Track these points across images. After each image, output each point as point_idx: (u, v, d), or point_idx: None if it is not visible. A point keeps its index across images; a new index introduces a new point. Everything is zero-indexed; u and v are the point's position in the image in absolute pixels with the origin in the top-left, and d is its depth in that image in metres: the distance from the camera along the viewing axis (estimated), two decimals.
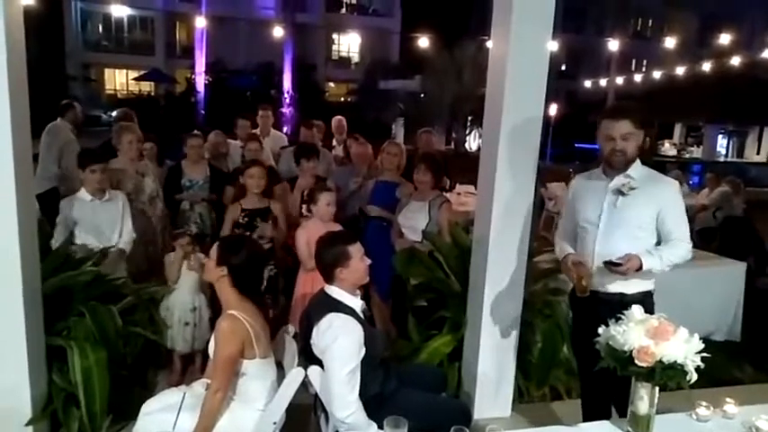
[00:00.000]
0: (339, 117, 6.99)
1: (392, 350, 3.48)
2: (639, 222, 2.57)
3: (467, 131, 25.99)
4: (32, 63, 2.68)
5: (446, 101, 23.88)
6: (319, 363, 2.43)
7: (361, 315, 2.54)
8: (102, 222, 3.70)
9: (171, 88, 25.82)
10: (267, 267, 3.87)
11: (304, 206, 4.17)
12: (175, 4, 27.29)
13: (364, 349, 2.42)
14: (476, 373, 3.27)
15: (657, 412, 2.04)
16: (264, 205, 3.97)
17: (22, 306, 2.58)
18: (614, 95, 20.64)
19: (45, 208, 4.30)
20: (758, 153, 27.96)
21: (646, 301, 2.24)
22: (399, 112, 25.04)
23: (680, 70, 15.96)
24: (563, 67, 27.92)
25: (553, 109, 18.07)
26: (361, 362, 2.40)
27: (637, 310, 2.09)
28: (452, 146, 24.97)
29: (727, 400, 2.26)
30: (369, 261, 2.61)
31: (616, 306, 2.34)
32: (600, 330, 2.11)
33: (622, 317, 2.08)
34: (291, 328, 2.81)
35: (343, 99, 28.58)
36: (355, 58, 31.50)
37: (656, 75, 17.36)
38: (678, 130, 29.20)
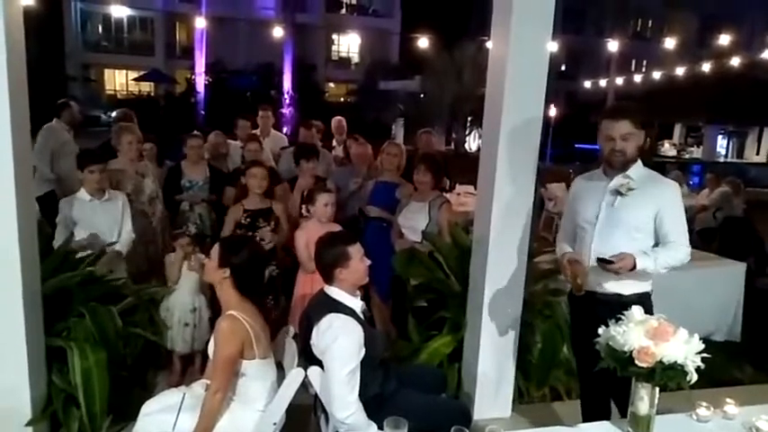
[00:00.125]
0: (339, 117, 6.99)
1: (392, 351, 3.48)
2: (637, 223, 2.57)
3: (466, 132, 26.00)
4: (32, 63, 2.67)
5: (446, 101, 23.90)
6: (319, 363, 2.42)
7: (361, 315, 2.53)
8: (102, 223, 3.69)
9: (171, 89, 25.82)
10: (269, 268, 3.88)
11: (303, 206, 4.17)
12: (175, 4, 27.30)
13: (364, 350, 2.42)
14: (476, 373, 3.27)
15: (657, 413, 2.04)
16: (266, 206, 3.97)
17: (21, 307, 2.58)
18: (614, 96, 20.64)
19: (42, 211, 4.28)
20: (758, 153, 27.97)
21: (643, 302, 2.24)
22: (399, 112, 25.05)
23: (680, 71, 15.95)
24: (563, 68, 27.94)
25: (553, 109, 18.10)
26: (361, 362, 2.40)
27: (637, 310, 2.08)
28: (452, 146, 24.97)
29: (728, 400, 2.25)
30: (368, 261, 2.61)
31: (614, 307, 2.34)
32: (600, 331, 2.11)
33: (620, 317, 2.08)
34: (291, 329, 2.81)
35: (342, 99, 28.59)
36: (355, 58, 31.50)
37: (656, 75, 17.36)
38: (678, 130, 29.22)
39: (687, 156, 26.14)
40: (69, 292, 3.04)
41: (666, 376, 1.91)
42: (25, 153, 2.65)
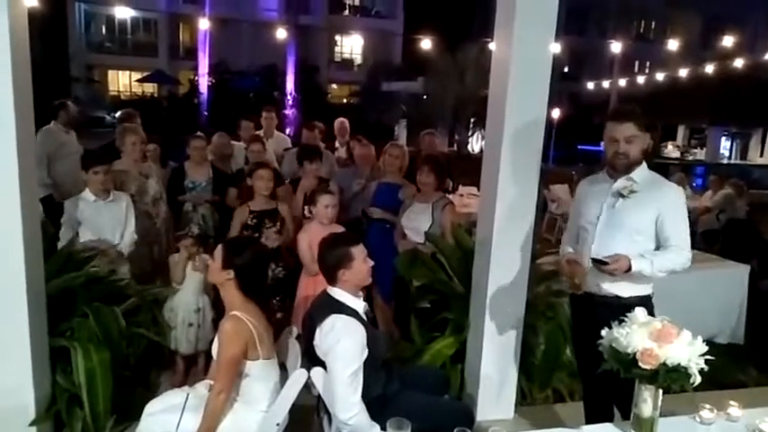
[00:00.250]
0: (341, 119, 7.00)
1: (395, 352, 3.49)
2: (638, 226, 2.56)
3: (469, 133, 25.97)
4: (36, 64, 2.69)
5: (449, 103, 23.87)
6: (322, 364, 2.43)
7: (364, 316, 2.54)
8: (106, 223, 3.71)
9: (174, 90, 25.87)
10: (276, 268, 3.89)
11: (306, 208, 4.18)
12: (179, 5, 27.37)
13: (367, 351, 2.43)
14: (478, 374, 3.27)
15: (661, 415, 2.04)
16: (272, 207, 3.98)
17: (25, 307, 2.59)
18: (617, 97, 20.62)
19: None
20: (761, 155, 27.92)
21: (644, 305, 2.24)
22: (402, 113, 25.03)
23: (683, 72, 15.92)
24: (566, 69, 27.92)
25: (556, 111, 18.07)
26: (364, 363, 2.40)
27: (640, 312, 2.08)
28: (455, 147, 24.95)
29: (731, 402, 2.25)
30: (371, 262, 2.61)
31: (613, 308, 2.35)
32: (603, 333, 2.10)
33: (620, 319, 2.08)
34: (294, 330, 2.81)
35: (345, 101, 28.60)
36: (358, 59, 31.51)
37: (659, 77, 17.33)
38: (681, 132, 29.18)
39: (690, 157, 26.12)
40: (73, 292, 3.05)
41: (670, 378, 1.91)
42: (29, 154, 2.66)
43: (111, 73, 29.26)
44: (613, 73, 21.33)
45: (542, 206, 6.22)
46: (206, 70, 22.85)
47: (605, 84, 20.92)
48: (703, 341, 1.97)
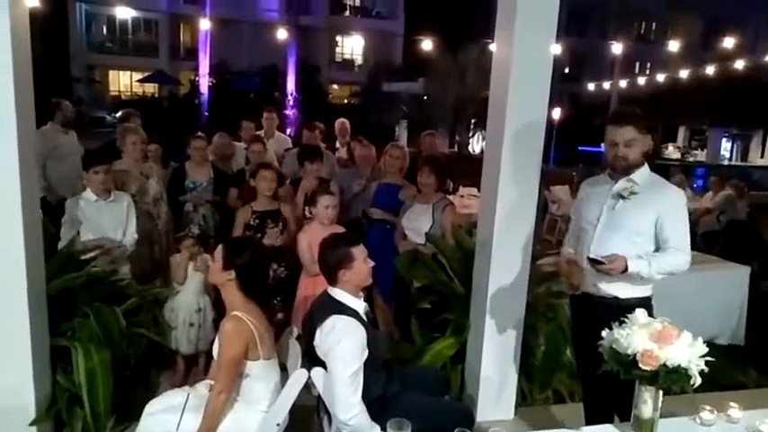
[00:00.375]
0: (342, 119, 7.00)
1: (395, 352, 3.49)
2: (637, 227, 2.56)
3: (470, 134, 25.98)
4: (37, 64, 2.69)
5: (449, 103, 23.88)
6: (322, 364, 2.43)
7: (365, 317, 2.54)
8: (107, 223, 3.71)
9: (175, 90, 25.89)
10: (278, 269, 3.89)
11: (306, 208, 4.18)
12: (179, 6, 27.39)
13: (367, 351, 2.43)
14: (479, 375, 3.27)
15: (661, 416, 2.04)
16: (275, 207, 3.99)
17: (26, 307, 2.60)
18: (618, 98, 20.63)
19: None
20: (762, 156, 27.92)
21: (643, 307, 2.23)
22: (402, 114, 25.04)
23: (684, 73, 15.92)
24: (566, 70, 27.92)
25: (557, 112, 18.06)
26: (364, 364, 2.40)
27: (640, 313, 2.08)
28: (456, 148, 24.96)
29: (732, 404, 2.25)
30: (372, 263, 2.61)
31: (612, 310, 2.35)
32: (603, 334, 2.11)
33: (619, 320, 2.08)
34: (295, 330, 2.81)
35: (346, 101, 28.61)
36: (359, 60, 31.52)
37: (660, 78, 17.33)
38: (682, 133, 29.18)
39: (691, 158, 26.12)
40: (74, 292, 3.06)
41: (670, 380, 1.91)
42: (30, 154, 2.66)
43: (111, 73, 29.29)
44: (614, 74, 21.34)
45: (543, 207, 6.23)
46: (207, 71, 22.87)
47: (606, 85, 20.93)
48: (704, 342, 1.97)
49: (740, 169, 21.43)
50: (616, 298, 2.60)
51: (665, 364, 1.90)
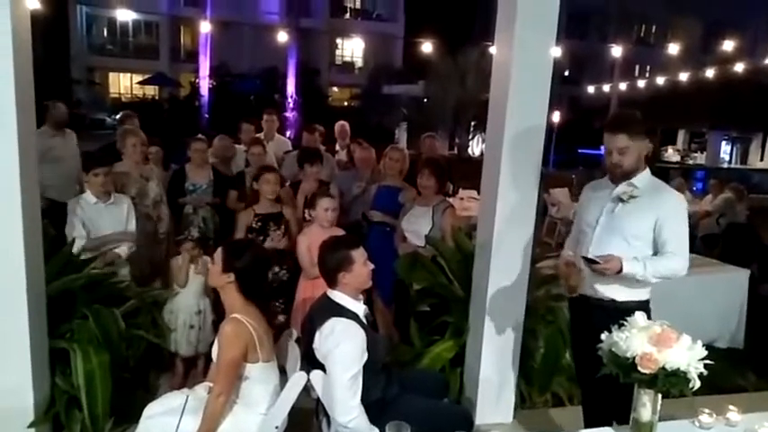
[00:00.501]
0: (342, 122, 7.01)
1: (394, 355, 3.48)
2: (635, 231, 2.56)
3: (470, 137, 26.00)
4: (37, 66, 2.69)
5: (449, 106, 23.90)
6: (322, 367, 2.43)
7: (364, 320, 2.54)
8: (107, 225, 3.71)
9: (175, 92, 25.91)
10: (280, 271, 3.89)
11: (306, 211, 4.18)
12: (180, 8, 27.42)
13: (367, 354, 2.43)
14: (478, 378, 3.27)
15: (660, 419, 2.04)
16: (277, 210, 4.00)
17: (26, 308, 2.60)
18: (617, 101, 20.66)
19: None
20: (762, 159, 27.94)
21: (641, 310, 2.23)
22: (402, 116, 25.06)
23: (683, 76, 15.95)
24: (566, 73, 27.95)
25: (556, 115, 18.08)
26: (364, 366, 2.41)
27: (640, 316, 2.09)
28: (455, 151, 24.97)
29: (730, 407, 2.25)
30: (372, 266, 2.61)
31: (610, 312, 2.36)
32: (602, 337, 2.11)
33: (617, 323, 2.08)
34: (294, 333, 2.81)
35: (346, 104, 28.63)
36: (359, 62, 31.54)
37: (660, 81, 17.36)
38: (681, 136, 29.20)
39: (691, 161, 26.13)
40: (73, 294, 3.06)
41: (669, 383, 1.91)
42: (31, 155, 2.66)
43: (112, 75, 29.32)
44: (614, 77, 21.37)
45: (542, 210, 6.22)
46: (207, 73, 22.87)
47: (606, 88, 20.95)
48: (703, 346, 1.97)
49: (740, 172, 21.45)
50: (613, 301, 2.61)
51: (664, 368, 1.90)
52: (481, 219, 3.32)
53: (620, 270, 2.46)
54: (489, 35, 3.55)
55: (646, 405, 2.00)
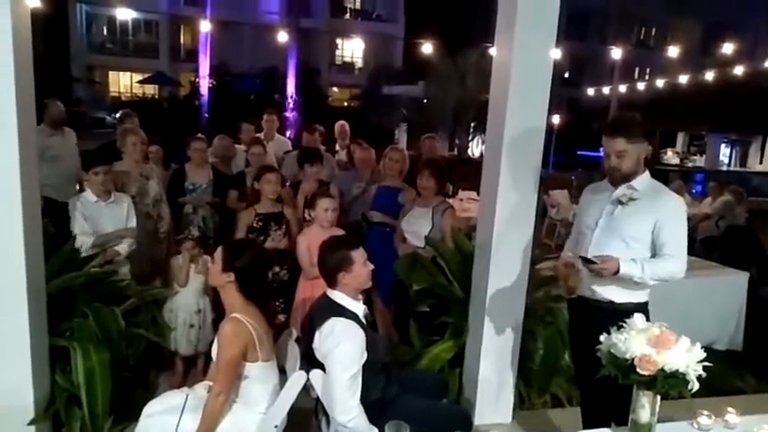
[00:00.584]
0: (342, 122, 7.01)
1: (393, 355, 3.49)
2: (634, 233, 2.57)
3: (469, 138, 26.02)
4: (37, 64, 2.69)
5: (449, 107, 23.92)
6: (321, 367, 2.44)
7: (364, 320, 2.55)
8: (107, 224, 3.71)
9: (175, 91, 25.91)
10: (281, 271, 3.89)
11: (306, 211, 4.19)
12: (180, 7, 27.41)
13: (366, 354, 2.43)
14: (477, 379, 3.28)
15: (658, 421, 2.05)
16: (278, 210, 4.01)
17: (26, 307, 2.60)
18: (617, 103, 20.67)
19: None
20: (761, 162, 27.96)
21: (639, 312, 2.24)
22: (402, 117, 25.09)
23: (683, 79, 15.97)
24: (566, 75, 27.97)
25: (556, 117, 18.09)
26: (363, 366, 2.41)
27: (639, 318, 2.09)
28: (455, 152, 24.99)
29: (729, 409, 2.25)
30: (372, 266, 2.62)
31: (608, 314, 2.36)
32: (601, 338, 2.11)
33: (615, 325, 2.08)
34: (294, 332, 2.82)
35: (346, 104, 28.65)
36: (359, 63, 31.56)
37: (660, 83, 17.39)
38: (681, 138, 29.22)
39: (690, 164, 26.15)
40: (73, 292, 3.06)
41: (668, 384, 1.92)
42: (31, 153, 2.66)
43: (111, 74, 29.30)
44: (614, 79, 21.38)
45: (542, 211, 6.22)
46: (207, 72, 22.89)
47: (605, 90, 20.97)
48: (701, 348, 1.98)
49: (739, 175, 21.47)
50: (612, 302, 2.61)
51: (662, 369, 1.91)
52: (481, 220, 3.32)
53: (618, 271, 2.47)
54: (489, 36, 3.55)
55: (644, 406, 2.00)
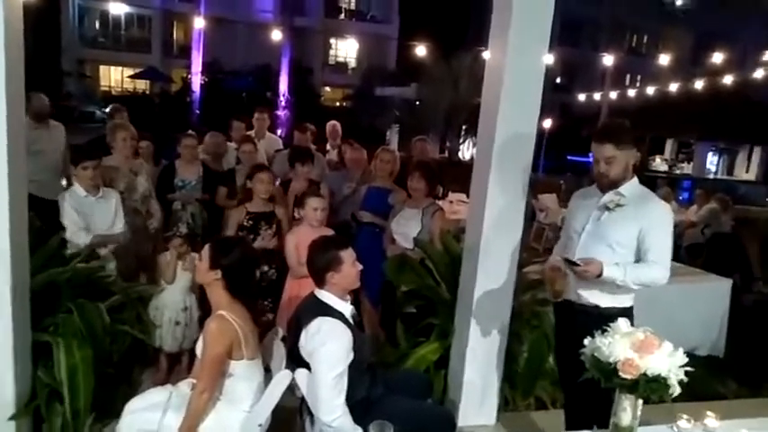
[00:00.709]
0: (333, 122, 7.01)
1: (380, 356, 3.49)
2: (619, 238, 2.59)
3: (461, 140, 26.08)
4: (28, 57, 2.67)
5: (441, 109, 23.95)
6: (307, 366, 2.43)
7: (351, 320, 2.55)
8: (97, 219, 3.68)
9: (166, 87, 25.76)
10: (269, 270, 3.89)
11: (295, 210, 4.18)
12: (174, 3, 27.27)
13: (353, 354, 2.44)
14: (462, 380, 3.29)
15: (639, 424, 2.07)
16: (269, 209, 4.00)
17: (9, 301, 2.57)
18: (608, 110, 20.80)
19: None
20: (747, 171, 28.26)
21: (623, 317, 2.26)
22: (394, 118, 25.09)
23: (673, 87, 16.12)
24: (558, 80, 28.11)
25: (547, 121, 18.19)
26: (349, 366, 2.41)
27: (623, 323, 2.11)
28: (446, 154, 25.04)
29: (708, 413, 2.28)
30: (360, 266, 2.62)
31: (593, 318, 2.38)
32: (585, 342, 2.13)
33: (600, 329, 2.10)
34: (280, 331, 2.81)
35: (338, 104, 28.63)
36: (352, 63, 31.55)
37: (650, 90, 17.54)
38: (670, 145, 29.48)
39: (678, 171, 26.38)
40: (58, 287, 3.03)
41: (650, 388, 1.94)
42: (20, 147, 2.64)
43: (102, 68, 29.09)
44: (605, 85, 21.52)
45: (530, 215, 6.25)
46: (199, 69, 22.79)
47: (596, 96, 21.11)
48: (684, 353, 2.00)
49: (726, 183, 21.70)
50: (597, 307, 2.64)
51: (645, 374, 1.93)
52: (470, 223, 3.34)
53: (601, 274, 2.49)
54: (483, 40, 3.56)
55: (626, 410, 2.03)
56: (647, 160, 24.35)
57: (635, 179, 2.67)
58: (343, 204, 4.79)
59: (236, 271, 2.50)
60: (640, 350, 1.96)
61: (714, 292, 5.04)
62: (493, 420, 3.40)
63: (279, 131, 16.65)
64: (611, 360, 1.98)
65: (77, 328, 2.92)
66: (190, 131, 5.38)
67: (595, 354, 2.05)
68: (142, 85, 27.39)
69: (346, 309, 2.56)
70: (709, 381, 4.19)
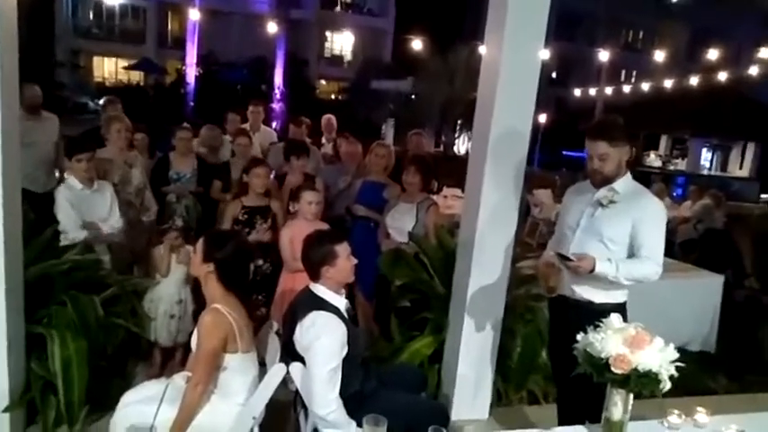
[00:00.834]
0: (329, 115, 7.00)
1: (374, 350, 3.50)
2: (612, 234, 2.61)
3: (456, 135, 26.06)
4: (21, 47, 2.65)
5: (437, 103, 23.92)
6: (301, 359, 2.44)
7: (346, 314, 2.55)
8: (92, 211, 3.67)
9: (161, 79, 25.58)
10: (264, 264, 3.88)
11: (290, 204, 4.18)
12: None
13: (347, 348, 2.45)
14: (455, 375, 3.30)
15: (630, 419, 2.09)
16: (265, 203, 3.99)
17: (3, 293, 2.57)
18: (603, 105, 20.82)
19: None
20: (741, 168, 28.35)
21: (617, 312, 2.28)
22: (390, 112, 25.02)
23: (668, 83, 16.15)
24: (554, 75, 28.11)
25: (543, 116, 18.22)
26: (343, 360, 2.42)
27: (615, 318, 2.13)
28: (441, 148, 25.02)
29: (698, 408, 2.30)
30: (355, 261, 2.63)
31: (587, 314, 2.40)
32: (578, 337, 2.15)
33: (592, 324, 2.12)
34: (275, 325, 2.82)
35: (334, 97, 28.52)
36: (348, 56, 31.42)
37: (645, 86, 17.57)
38: (664, 141, 29.52)
39: (672, 167, 26.42)
40: (51, 279, 3.03)
41: (641, 383, 1.96)
42: (14, 139, 2.62)
43: (96, 59, 28.79)
44: (600, 81, 21.53)
45: (525, 210, 6.26)
46: (194, 60, 22.67)
47: (592, 91, 21.11)
48: (675, 348, 2.02)
49: (719, 179, 21.74)
50: (590, 302, 2.65)
51: (636, 369, 1.95)
52: (464, 217, 3.34)
53: (593, 269, 2.51)
54: (479, 34, 3.56)
55: (617, 404, 2.04)
56: (641, 156, 24.40)
57: (628, 175, 2.68)
58: (338, 198, 4.79)
59: (230, 264, 2.50)
60: (632, 345, 1.98)
61: (707, 288, 5.08)
62: (486, 415, 3.42)
63: (274, 124, 16.59)
64: (603, 355, 2.00)
65: (71, 320, 2.92)
66: (185, 124, 5.36)
67: (588, 349, 2.06)
68: (136, 76, 27.17)
69: (341, 303, 2.57)
70: (699, 376, 4.22)
